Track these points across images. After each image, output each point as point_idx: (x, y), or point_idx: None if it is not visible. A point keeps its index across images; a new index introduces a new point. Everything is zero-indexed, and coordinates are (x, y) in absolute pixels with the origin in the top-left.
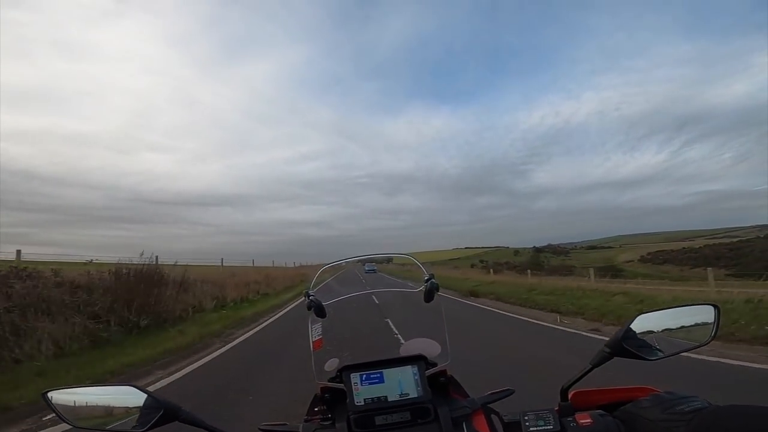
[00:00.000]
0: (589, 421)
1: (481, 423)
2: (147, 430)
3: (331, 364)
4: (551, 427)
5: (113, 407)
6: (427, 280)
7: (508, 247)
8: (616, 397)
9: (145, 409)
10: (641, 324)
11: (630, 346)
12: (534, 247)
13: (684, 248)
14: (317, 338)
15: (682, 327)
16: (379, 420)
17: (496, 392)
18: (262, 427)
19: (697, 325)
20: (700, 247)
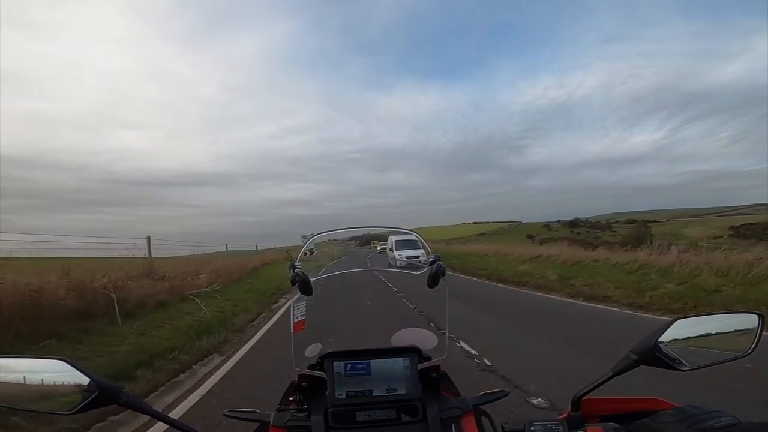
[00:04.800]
0: None
1: (470, 425)
2: (76, 413)
3: (313, 350)
4: None
5: (40, 384)
6: (432, 263)
7: (521, 222)
8: (630, 407)
9: (76, 388)
10: (676, 331)
11: (661, 354)
12: (558, 220)
13: None
14: (299, 319)
15: (721, 334)
16: (360, 416)
17: (490, 393)
18: (227, 414)
19: (737, 332)
20: None
